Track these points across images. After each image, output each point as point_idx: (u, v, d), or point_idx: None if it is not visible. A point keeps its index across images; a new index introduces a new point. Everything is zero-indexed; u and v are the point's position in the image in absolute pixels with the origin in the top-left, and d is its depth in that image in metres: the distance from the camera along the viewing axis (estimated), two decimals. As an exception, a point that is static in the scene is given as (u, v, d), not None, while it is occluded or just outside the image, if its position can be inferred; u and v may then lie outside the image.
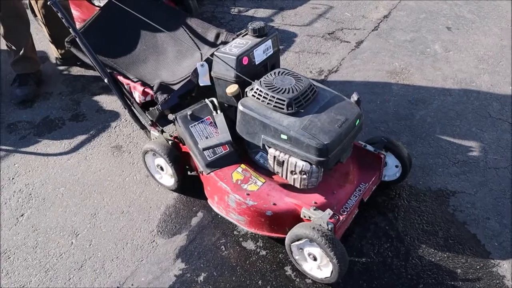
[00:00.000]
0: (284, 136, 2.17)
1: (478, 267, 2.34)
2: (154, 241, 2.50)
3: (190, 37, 3.00)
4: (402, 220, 2.59)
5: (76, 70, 3.94)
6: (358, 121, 2.29)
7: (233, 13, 4.96)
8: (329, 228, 2.14)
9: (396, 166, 2.67)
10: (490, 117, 3.34)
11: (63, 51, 3.83)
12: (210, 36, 2.93)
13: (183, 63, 2.92)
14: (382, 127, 3.24)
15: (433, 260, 2.38)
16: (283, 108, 2.19)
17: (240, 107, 2.28)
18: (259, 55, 2.48)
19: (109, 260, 2.42)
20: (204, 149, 2.34)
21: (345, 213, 2.34)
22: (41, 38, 4.19)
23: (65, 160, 3.05)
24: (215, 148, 2.42)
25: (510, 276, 2.29)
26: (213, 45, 2.92)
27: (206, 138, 2.43)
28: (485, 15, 4.75)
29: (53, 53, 3.97)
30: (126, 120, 3.36)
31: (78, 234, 2.56)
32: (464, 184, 2.80)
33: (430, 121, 3.31)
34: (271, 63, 2.60)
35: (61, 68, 3.98)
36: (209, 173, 2.41)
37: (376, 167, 2.57)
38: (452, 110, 3.43)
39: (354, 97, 2.35)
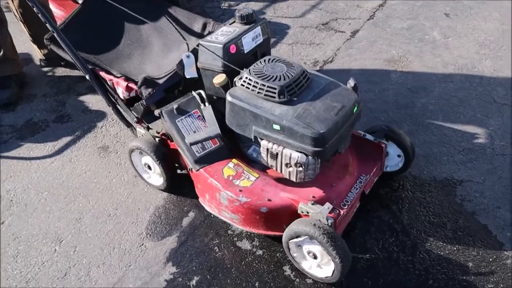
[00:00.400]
0: (276, 126, 2.01)
1: (490, 259, 2.18)
2: (143, 244, 2.34)
3: (176, 28, 2.85)
4: (407, 212, 2.43)
5: (61, 71, 3.79)
6: (356, 108, 2.14)
7: (223, 7, 4.82)
8: (329, 224, 1.98)
9: (398, 156, 2.51)
10: (494, 103, 3.18)
11: (46, 51, 3.67)
12: (197, 27, 2.78)
13: (169, 56, 2.77)
14: (382, 116, 3.09)
15: (442, 253, 2.22)
16: (274, 97, 2.03)
17: (228, 98, 2.13)
18: (248, 43, 2.32)
19: (95, 266, 2.26)
20: (192, 144, 2.18)
21: (346, 207, 2.18)
22: (25, 39, 4.03)
23: (49, 164, 2.89)
24: (204, 143, 2.27)
25: (525, 268, 2.13)
26: (200, 36, 2.76)
27: (194, 132, 2.27)
28: (483, 0, 4.60)
29: (37, 54, 3.81)
30: (113, 120, 3.20)
31: (62, 241, 2.40)
32: (471, 173, 2.64)
33: (432, 109, 3.16)
34: (261, 52, 2.44)
35: (45, 69, 3.82)
36: (198, 169, 2.25)
37: (377, 157, 2.41)
38: (454, 96, 3.27)
39: (351, 83, 2.19)
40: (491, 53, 3.74)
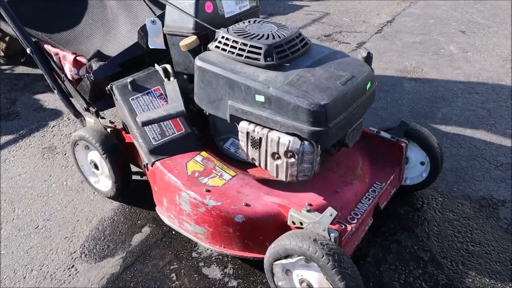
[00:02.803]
0: (260, 98, 1.44)
1: (558, 304, 1.53)
2: (73, 266, 1.69)
3: (148, 5, 2.35)
4: (436, 238, 1.80)
5: (21, 69, 3.28)
6: (369, 84, 1.58)
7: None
8: (332, 239, 1.36)
9: (422, 163, 1.91)
10: (531, 115, 2.63)
11: (5, 45, 3.18)
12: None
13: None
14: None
15: (489, 294, 1.57)
16: (259, 59, 1.48)
17: (197, 63, 1.57)
18: (230, 6, 1.80)
19: (0, 295, 1.60)
20: (144, 125, 1.58)
21: (355, 221, 1.56)
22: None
23: (-21, 164, 2.29)
24: (164, 129, 1.69)
25: None
26: (175, 12, 2.25)
27: (153, 114, 1.69)
28: (501, 21, 4.20)
29: (-4, 50, 3.33)
30: (69, 119, 2.64)
31: (-36, 258, 1.75)
32: (515, 191, 2.03)
33: (456, 120, 2.59)
34: (248, 23, 1.92)
35: (4, 67, 3.31)
36: (154, 162, 1.65)
37: (395, 162, 1.82)
38: (482, 108, 2.72)
39: (363, 53, 1.65)
40: (518, 68, 3.24)
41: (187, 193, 1.53)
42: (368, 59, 1.64)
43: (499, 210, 1.94)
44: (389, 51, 3.53)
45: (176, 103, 1.61)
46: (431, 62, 3.34)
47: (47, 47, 2.04)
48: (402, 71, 3.20)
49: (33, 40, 2.06)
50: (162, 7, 2.34)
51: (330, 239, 1.36)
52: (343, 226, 1.44)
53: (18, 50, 3.19)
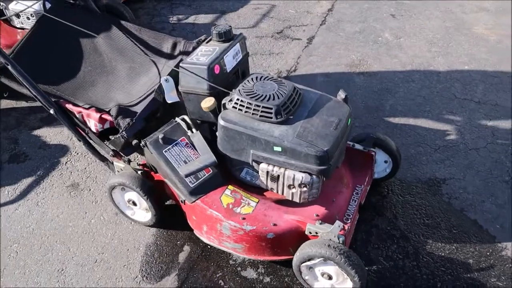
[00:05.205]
0: (277, 148, 1.93)
1: (488, 253, 2.26)
2: (140, 288, 2.16)
3: (142, 50, 2.66)
4: (401, 217, 2.45)
5: (5, 103, 3.43)
6: (350, 121, 2.11)
7: (173, 22, 4.65)
8: (341, 242, 1.93)
9: (385, 162, 2.53)
10: (456, 98, 3.33)
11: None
12: (166, 47, 2.61)
13: (139, 81, 2.59)
14: (357, 122, 3.11)
15: (443, 254, 2.26)
16: (271, 117, 1.95)
17: (221, 122, 2.01)
18: (230, 62, 2.23)
19: (90, 322, 2.04)
20: (187, 176, 2.04)
21: (349, 221, 2.15)
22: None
23: (12, 211, 2.58)
24: (197, 173, 2.13)
25: (520, 258, 2.22)
26: (170, 56, 2.61)
27: (185, 162, 2.12)
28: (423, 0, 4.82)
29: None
30: (77, 153, 2.94)
31: (46, 298, 2.15)
32: (451, 170, 2.72)
33: (401, 110, 3.23)
34: (242, 69, 2.35)
35: (-14, 103, 3.45)
36: (194, 201, 2.11)
37: (367, 166, 2.41)
38: (419, 96, 3.38)
39: (341, 94, 2.17)
40: (441, 50, 3.92)
41: (228, 222, 2.03)
42: (346, 99, 2.16)
43: (441, 188, 2.62)
44: (336, 45, 4.06)
45: (207, 155, 2.06)
46: (373, 52, 3.93)
47: (69, 106, 2.33)
48: (351, 65, 3.76)
49: (53, 100, 2.33)
50: (155, 50, 2.69)
51: (340, 242, 1.94)
52: (343, 227, 2.02)
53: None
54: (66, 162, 2.89)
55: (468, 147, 2.88)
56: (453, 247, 2.30)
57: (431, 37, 4.13)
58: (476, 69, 3.64)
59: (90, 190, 2.68)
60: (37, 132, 3.15)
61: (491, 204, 2.51)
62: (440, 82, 3.51)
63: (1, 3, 3.66)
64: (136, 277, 2.20)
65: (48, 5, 3.38)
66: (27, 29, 3.61)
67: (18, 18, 3.55)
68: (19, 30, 3.69)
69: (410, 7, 4.68)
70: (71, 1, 3.18)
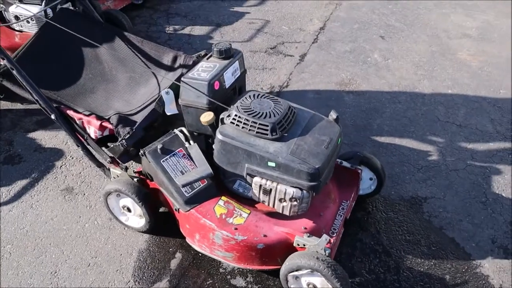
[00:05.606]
0: (272, 164, 2.04)
1: (463, 270, 2.39)
2: (131, 293, 2.23)
3: (143, 61, 2.76)
4: (384, 233, 2.58)
5: (0, 105, 3.47)
6: (339, 140, 2.24)
7: (169, 32, 4.75)
8: (327, 254, 2.05)
9: (370, 179, 2.66)
10: (439, 121, 3.50)
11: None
12: (166, 60, 2.71)
13: (139, 91, 2.67)
14: (345, 140, 3.24)
15: (422, 270, 2.38)
16: (267, 134, 2.07)
17: (219, 136, 2.11)
18: (229, 78, 2.34)
19: (82, 324, 2.10)
20: (184, 186, 2.13)
21: (335, 235, 2.27)
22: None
23: (6, 212, 2.63)
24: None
25: (493, 275, 2.36)
26: (170, 69, 2.70)
27: (182, 172, 2.22)
28: (410, 23, 5.03)
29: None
30: (72, 158, 3.00)
31: (38, 299, 2.20)
32: (432, 189, 2.87)
33: (387, 130, 3.38)
34: (239, 86, 2.46)
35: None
36: (188, 210, 2.20)
37: (353, 183, 2.54)
38: (404, 117, 3.54)
39: (333, 115, 2.29)
40: (427, 74, 4.10)
41: (221, 232, 2.12)
42: (337, 119, 2.29)
43: (423, 206, 2.76)
44: (327, 63, 4.22)
45: (204, 167, 2.16)
46: (362, 72, 4.09)
47: (70, 112, 2.41)
48: (341, 84, 3.92)
49: (55, 106, 2.41)
50: (156, 62, 2.79)
51: (326, 254, 2.05)
52: (329, 240, 2.14)
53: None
54: (61, 166, 2.94)
55: (448, 168, 3.04)
56: (432, 263, 2.43)
57: (417, 60, 4.32)
58: (458, 93, 3.83)
59: (84, 194, 2.74)
60: (32, 134, 3.20)
61: (468, 223, 2.65)
62: (425, 104, 3.68)
63: (1, 5, 3.72)
64: (129, 281, 2.27)
65: (49, 11, 3.47)
66: (26, 32, 3.69)
67: (17, 20, 3.61)
68: (17, 33, 3.75)
69: (398, 30, 4.88)
70: (74, 9, 3.27)
